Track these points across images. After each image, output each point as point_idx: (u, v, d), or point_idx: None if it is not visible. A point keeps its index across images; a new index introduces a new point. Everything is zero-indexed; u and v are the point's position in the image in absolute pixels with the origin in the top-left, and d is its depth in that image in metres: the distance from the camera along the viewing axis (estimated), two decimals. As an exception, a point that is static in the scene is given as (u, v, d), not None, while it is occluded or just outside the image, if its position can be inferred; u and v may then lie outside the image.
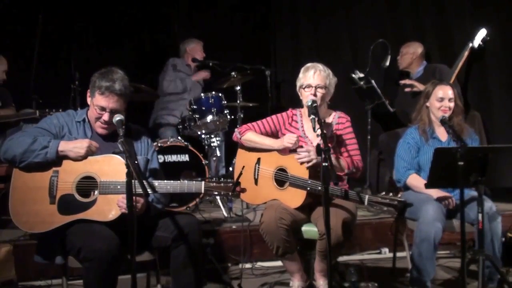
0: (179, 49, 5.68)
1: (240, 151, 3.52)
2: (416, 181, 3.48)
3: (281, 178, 3.21)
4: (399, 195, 3.73)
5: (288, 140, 3.16)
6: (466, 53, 4.76)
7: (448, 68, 4.85)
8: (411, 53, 5.07)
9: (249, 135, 3.31)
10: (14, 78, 5.08)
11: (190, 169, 4.57)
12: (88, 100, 2.90)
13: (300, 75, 3.29)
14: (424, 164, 3.51)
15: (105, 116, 2.82)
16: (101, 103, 2.80)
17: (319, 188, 3.00)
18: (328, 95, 3.27)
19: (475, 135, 3.65)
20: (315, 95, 3.18)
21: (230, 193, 2.81)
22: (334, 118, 3.34)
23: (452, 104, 3.53)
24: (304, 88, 3.23)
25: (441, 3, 5.35)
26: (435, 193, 3.38)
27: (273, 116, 3.40)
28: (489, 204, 3.30)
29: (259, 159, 3.33)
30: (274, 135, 3.36)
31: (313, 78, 3.21)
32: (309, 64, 3.31)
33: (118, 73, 2.84)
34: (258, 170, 3.33)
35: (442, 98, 3.53)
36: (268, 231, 3.06)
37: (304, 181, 3.09)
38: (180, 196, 4.42)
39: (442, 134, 3.59)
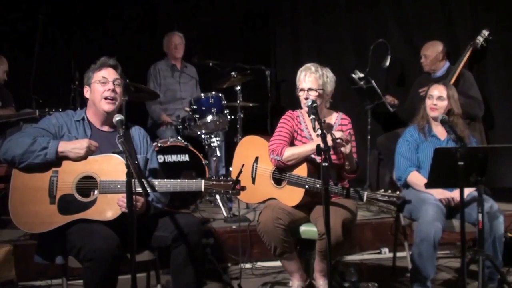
0: None
1: (238, 150, 3.51)
2: (417, 179, 3.49)
3: (279, 177, 3.21)
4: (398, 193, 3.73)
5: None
6: (468, 53, 4.75)
7: (472, 76, 4.77)
8: (438, 52, 4.90)
9: (287, 152, 3.11)
10: (14, 78, 5.08)
11: (190, 169, 4.57)
12: (87, 93, 2.92)
13: (297, 77, 3.27)
14: (423, 161, 3.53)
15: (110, 85, 2.85)
16: (102, 74, 2.86)
17: (317, 185, 3.00)
18: (325, 95, 3.23)
19: (472, 138, 3.63)
20: (306, 98, 3.14)
21: (230, 191, 2.80)
22: (337, 119, 3.32)
23: (441, 103, 3.54)
24: (299, 92, 3.22)
25: (444, 2, 5.35)
26: (437, 193, 3.38)
27: (283, 124, 3.28)
28: (489, 204, 3.30)
29: (257, 158, 3.32)
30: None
31: (304, 82, 3.19)
32: (304, 66, 3.27)
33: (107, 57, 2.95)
34: (255, 168, 3.33)
35: (431, 95, 3.57)
36: (265, 231, 3.06)
37: (302, 179, 3.08)
38: (181, 197, 4.42)
39: (440, 133, 3.61)
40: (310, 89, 3.17)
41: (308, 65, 3.26)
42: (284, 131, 3.26)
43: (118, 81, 2.90)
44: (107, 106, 2.87)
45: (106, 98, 2.86)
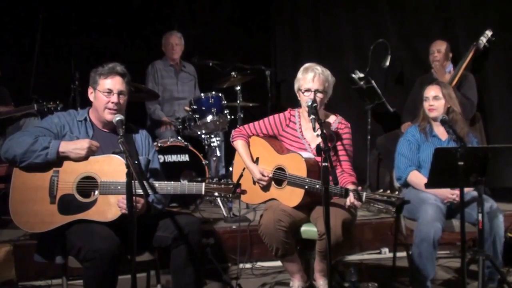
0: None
1: None
2: (417, 178, 3.49)
3: (280, 177, 3.21)
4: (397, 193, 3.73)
5: (259, 178, 3.21)
6: (470, 54, 4.74)
7: (473, 79, 4.77)
8: (448, 51, 4.91)
9: (238, 144, 3.35)
10: (14, 77, 5.08)
11: (190, 169, 4.58)
12: (91, 96, 2.92)
13: (299, 75, 3.23)
14: (424, 161, 3.53)
15: (114, 98, 2.84)
16: (107, 86, 2.85)
17: (317, 186, 3.00)
18: (327, 97, 3.24)
19: (472, 137, 3.63)
20: (314, 100, 3.13)
21: (230, 195, 2.80)
22: (334, 122, 3.32)
23: (438, 103, 3.54)
24: (303, 92, 3.19)
25: (444, 2, 5.35)
26: (442, 194, 3.38)
27: (271, 118, 3.37)
28: (489, 204, 3.31)
29: (257, 159, 3.33)
30: (272, 137, 3.36)
31: (312, 82, 3.16)
32: (308, 65, 3.25)
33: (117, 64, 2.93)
34: (256, 169, 3.33)
35: (427, 97, 3.58)
36: (267, 233, 3.06)
37: (302, 180, 3.08)
38: (181, 198, 4.42)
39: (441, 133, 3.60)
40: (317, 91, 3.16)
41: (313, 65, 3.23)
42: (263, 125, 3.36)
43: (124, 91, 2.89)
44: (109, 116, 2.87)
45: (109, 109, 2.86)
